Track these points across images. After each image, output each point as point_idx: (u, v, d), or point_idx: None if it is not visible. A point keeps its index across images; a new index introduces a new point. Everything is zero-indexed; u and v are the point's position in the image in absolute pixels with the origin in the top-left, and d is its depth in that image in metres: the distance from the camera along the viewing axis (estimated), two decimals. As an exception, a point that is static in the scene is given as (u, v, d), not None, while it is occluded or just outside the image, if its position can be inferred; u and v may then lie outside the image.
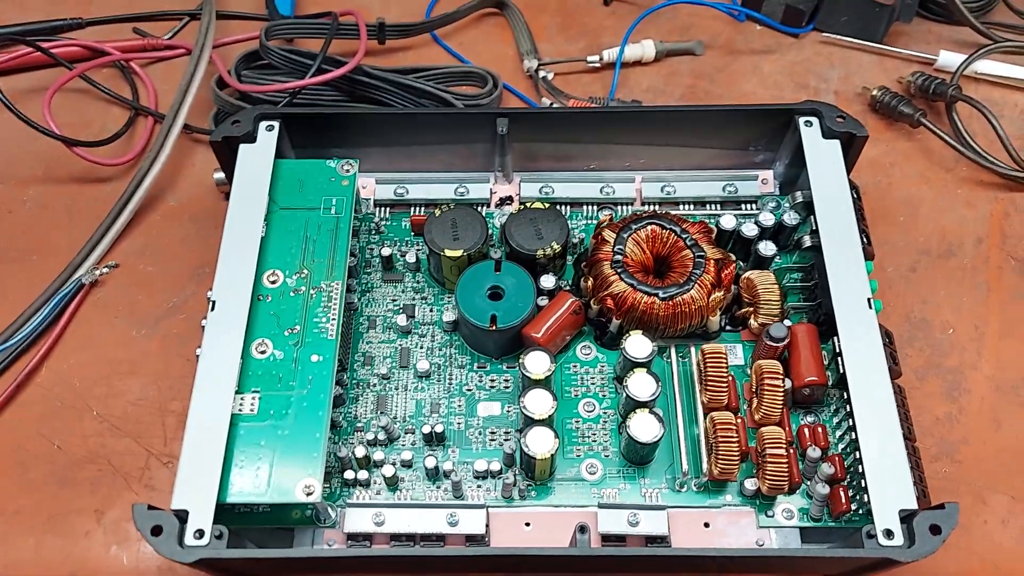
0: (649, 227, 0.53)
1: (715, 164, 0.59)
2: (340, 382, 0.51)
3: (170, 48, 0.69)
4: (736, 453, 0.47)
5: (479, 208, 0.58)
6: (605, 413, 0.51)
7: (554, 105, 0.66)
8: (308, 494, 0.45)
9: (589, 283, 0.52)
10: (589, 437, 0.51)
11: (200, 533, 0.43)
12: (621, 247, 0.52)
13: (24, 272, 0.60)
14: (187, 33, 0.72)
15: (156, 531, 0.43)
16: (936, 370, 0.56)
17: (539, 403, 0.48)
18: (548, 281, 0.53)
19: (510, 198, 0.59)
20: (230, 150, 0.55)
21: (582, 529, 0.44)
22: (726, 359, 0.50)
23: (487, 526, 0.47)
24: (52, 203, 0.63)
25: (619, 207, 0.58)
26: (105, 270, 0.59)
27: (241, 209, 0.52)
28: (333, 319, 0.50)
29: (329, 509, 0.48)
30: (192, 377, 0.53)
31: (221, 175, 0.61)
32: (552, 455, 0.47)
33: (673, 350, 0.52)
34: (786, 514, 0.48)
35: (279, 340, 0.49)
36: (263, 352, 0.48)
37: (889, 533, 0.42)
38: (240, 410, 0.47)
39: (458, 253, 0.52)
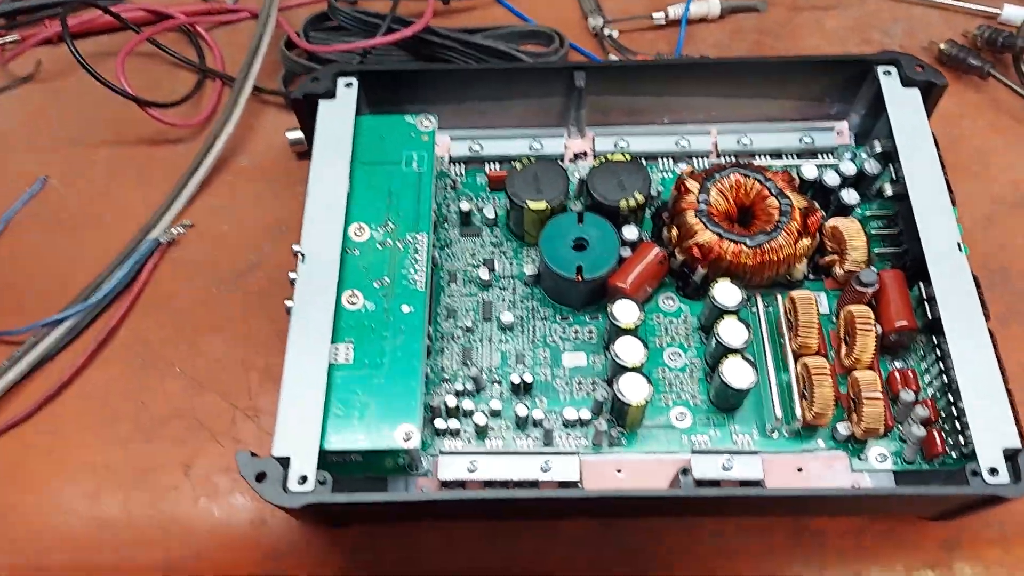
0: (733, 176, 0.52)
1: (789, 116, 0.59)
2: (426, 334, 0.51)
3: (233, 12, 0.69)
4: (832, 397, 0.47)
5: (555, 163, 0.58)
6: (691, 362, 0.51)
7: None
8: (407, 440, 0.45)
9: (673, 233, 0.52)
10: (676, 386, 0.51)
11: (304, 479, 0.43)
12: (705, 196, 0.52)
13: (99, 233, 0.60)
14: (248, -4, 0.72)
15: (260, 477, 0.43)
16: (1018, 316, 0.56)
17: (630, 351, 0.48)
18: (631, 232, 0.52)
19: (584, 153, 0.59)
20: (309, 107, 0.55)
21: (684, 472, 0.44)
22: (816, 305, 0.49)
23: (580, 472, 0.47)
24: (124, 165, 0.63)
25: (695, 159, 0.58)
26: (181, 229, 0.59)
27: (325, 164, 0.52)
28: (421, 271, 0.50)
29: (422, 457, 0.48)
30: (275, 333, 0.53)
31: (294, 135, 0.61)
32: (646, 402, 0.47)
33: (759, 298, 0.52)
34: (879, 457, 0.48)
35: (369, 291, 0.49)
36: (354, 303, 0.49)
37: (994, 471, 0.42)
38: (336, 360, 0.47)
39: (542, 205, 0.52)
